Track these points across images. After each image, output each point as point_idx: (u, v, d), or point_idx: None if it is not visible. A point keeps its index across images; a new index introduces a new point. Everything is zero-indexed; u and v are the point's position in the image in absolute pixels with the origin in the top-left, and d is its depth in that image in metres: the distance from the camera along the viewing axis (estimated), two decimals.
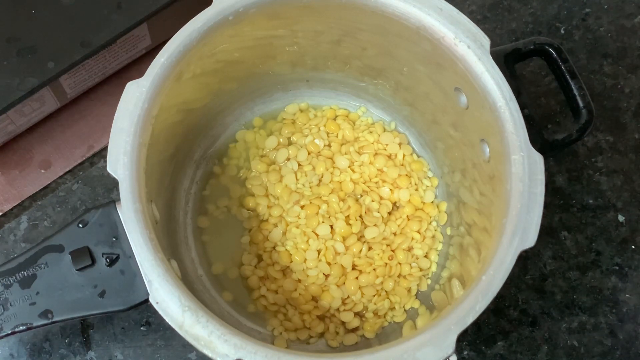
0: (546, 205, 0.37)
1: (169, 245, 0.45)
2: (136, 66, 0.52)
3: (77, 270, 0.38)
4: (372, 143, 0.51)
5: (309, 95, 0.52)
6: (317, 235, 0.47)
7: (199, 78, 0.44)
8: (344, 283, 0.47)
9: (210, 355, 0.34)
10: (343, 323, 0.47)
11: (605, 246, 0.50)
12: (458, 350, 0.34)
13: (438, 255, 0.48)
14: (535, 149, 0.38)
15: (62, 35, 0.46)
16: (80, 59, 0.46)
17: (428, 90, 0.46)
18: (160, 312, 0.35)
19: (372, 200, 0.49)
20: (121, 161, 0.37)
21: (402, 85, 0.48)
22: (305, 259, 0.47)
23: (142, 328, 0.47)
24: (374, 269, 0.47)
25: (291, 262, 0.47)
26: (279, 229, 0.48)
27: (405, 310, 0.47)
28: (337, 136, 0.51)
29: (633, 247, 0.51)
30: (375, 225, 0.48)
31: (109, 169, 0.37)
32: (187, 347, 0.47)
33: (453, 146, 0.47)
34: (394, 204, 0.49)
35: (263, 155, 0.51)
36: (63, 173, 0.51)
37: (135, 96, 0.38)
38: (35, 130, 0.51)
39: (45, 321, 0.37)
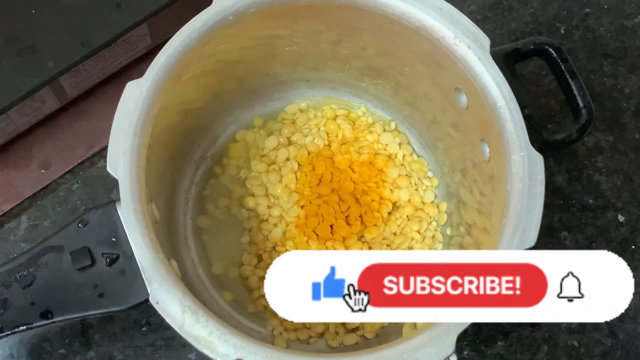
0: (546, 205, 0.37)
1: (169, 245, 0.45)
2: (136, 66, 0.52)
3: (77, 270, 0.37)
4: (372, 143, 0.51)
5: (309, 95, 0.52)
6: (317, 235, 0.47)
7: (199, 78, 0.44)
8: None
9: (210, 355, 0.34)
10: (343, 323, 0.46)
11: (605, 246, 0.50)
12: (458, 350, 0.34)
13: None
14: (535, 149, 0.38)
15: (62, 35, 0.46)
16: (80, 59, 0.46)
17: (428, 90, 0.46)
18: (160, 312, 0.35)
19: (372, 200, 0.49)
20: (121, 161, 0.37)
21: (402, 85, 0.48)
22: None
23: (142, 328, 0.47)
24: None
25: None
26: (279, 229, 0.48)
27: None
28: (337, 136, 0.51)
29: (633, 247, 0.51)
30: (375, 225, 0.48)
31: (108, 169, 0.37)
32: (187, 347, 0.46)
33: (453, 146, 0.47)
34: (394, 204, 0.49)
35: (263, 155, 0.51)
36: (63, 173, 0.51)
37: (135, 96, 0.38)
38: (35, 130, 0.51)
39: (45, 321, 0.37)
